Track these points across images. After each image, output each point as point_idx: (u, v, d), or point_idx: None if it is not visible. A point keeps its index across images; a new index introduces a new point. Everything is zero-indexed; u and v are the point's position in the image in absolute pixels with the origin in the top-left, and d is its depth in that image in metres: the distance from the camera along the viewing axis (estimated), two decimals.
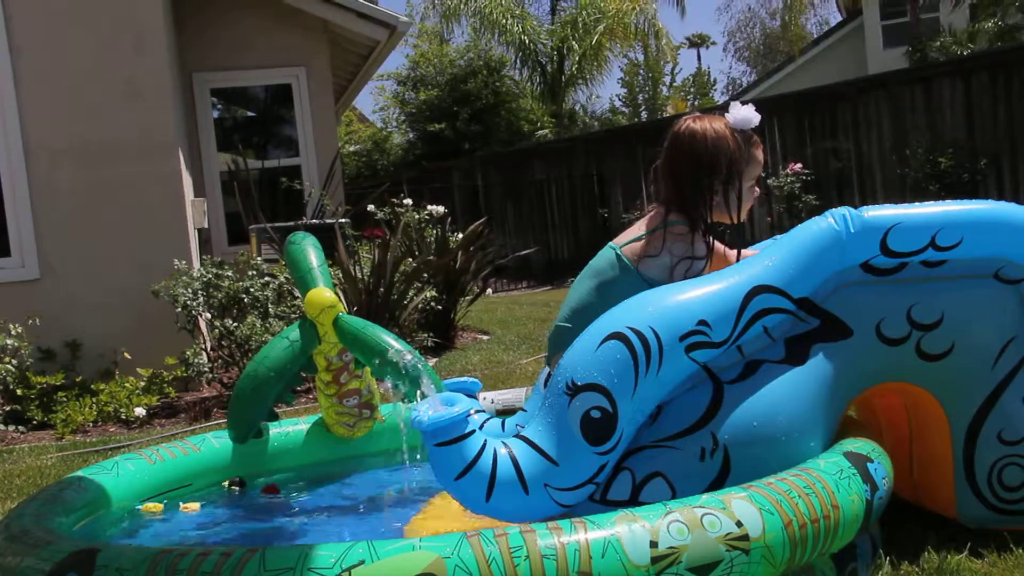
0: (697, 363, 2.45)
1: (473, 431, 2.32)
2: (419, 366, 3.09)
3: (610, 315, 2.48)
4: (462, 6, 20.87)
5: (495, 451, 2.34)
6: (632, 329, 2.39)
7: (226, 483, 3.53)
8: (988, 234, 2.59)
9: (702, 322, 2.43)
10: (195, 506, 3.30)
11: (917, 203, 2.66)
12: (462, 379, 2.46)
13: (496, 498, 2.31)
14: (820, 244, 2.56)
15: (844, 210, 2.61)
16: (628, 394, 2.36)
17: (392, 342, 3.30)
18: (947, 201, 2.68)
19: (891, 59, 19.53)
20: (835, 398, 2.56)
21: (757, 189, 2.97)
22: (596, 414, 2.34)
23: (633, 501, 2.41)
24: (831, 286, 2.57)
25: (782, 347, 2.53)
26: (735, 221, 2.89)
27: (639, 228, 2.90)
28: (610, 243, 2.93)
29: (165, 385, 6.49)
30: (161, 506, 3.25)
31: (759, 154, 2.92)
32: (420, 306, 7.69)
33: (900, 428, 2.84)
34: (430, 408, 2.29)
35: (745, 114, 2.85)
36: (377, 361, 3.28)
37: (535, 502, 2.34)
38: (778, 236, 2.89)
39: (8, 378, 5.89)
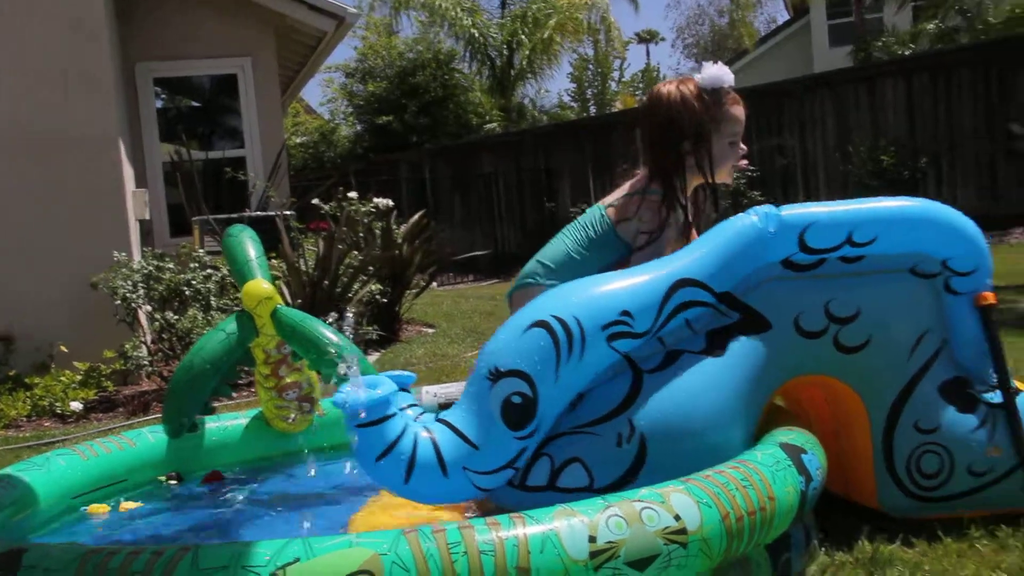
0: (619, 352, 2.50)
1: (394, 414, 2.34)
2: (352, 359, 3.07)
3: (536, 303, 2.53)
4: None
5: (416, 434, 2.36)
6: (556, 317, 2.43)
7: (163, 477, 3.48)
8: (904, 230, 2.66)
9: (625, 312, 2.48)
10: (134, 505, 3.23)
11: (835, 200, 2.73)
12: (395, 372, 2.45)
13: (415, 480, 2.33)
14: (743, 240, 2.61)
15: (767, 208, 2.66)
16: (550, 380, 2.40)
17: (330, 335, 3.28)
18: (864, 199, 2.75)
19: (837, 58, 19.82)
20: (754, 390, 2.60)
21: (743, 146, 3.01)
22: (517, 399, 2.38)
23: (551, 486, 2.46)
24: (753, 281, 2.63)
25: (703, 339, 2.59)
26: (711, 181, 2.97)
27: (625, 188, 2.99)
28: (598, 202, 3.03)
29: (103, 379, 6.38)
30: (107, 507, 3.19)
31: (736, 110, 2.95)
32: (365, 299, 7.63)
33: (827, 423, 2.90)
34: (353, 390, 2.30)
35: (716, 72, 2.91)
36: (314, 354, 3.25)
37: (454, 485, 2.38)
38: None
39: None
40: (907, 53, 16.46)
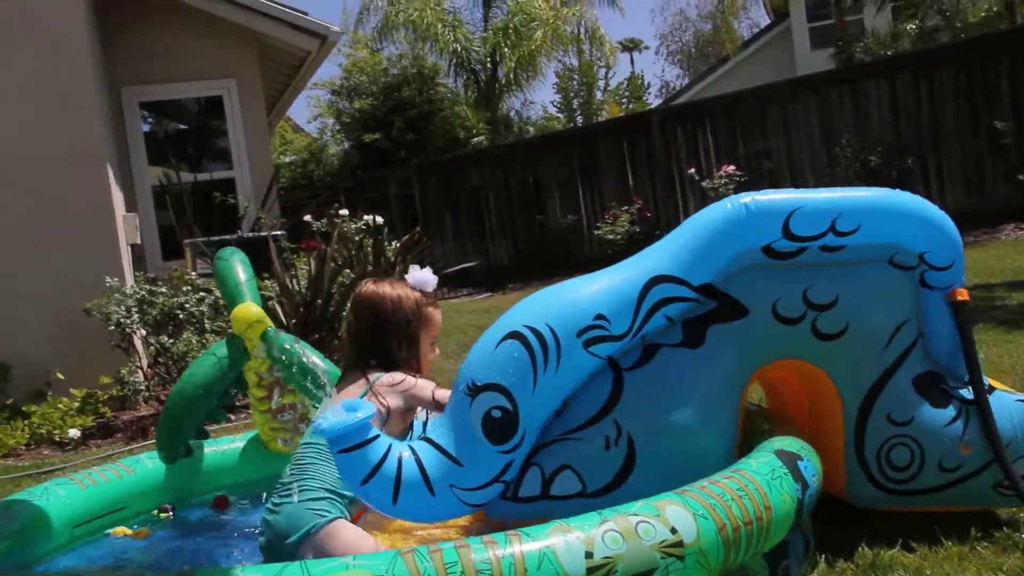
0: (599, 357, 2.49)
1: (377, 435, 2.34)
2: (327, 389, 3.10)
3: (507, 315, 2.53)
4: (394, 16, 20.80)
5: (399, 454, 2.36)
6: (529, 327, 2.43)
7: (155, 511, 3.46)
8: (885, 221, 2.67)
9: (600, 316, 2.47)
10: (145, 531, 3.24)
11: (816, 189, 2.73)
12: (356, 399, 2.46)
13: (403, 500, 2.34)
14: (717, 229, 2.59)
15: (745, 195, 2.65)
16: (528, 392, 2.40)
17: (316, 360, 3.30)
18: (844, 188, 2.75)
19: (819, 60, 19.87)
20: (734, 376, 2.62)
21: (437, 349, 3.05)
22: (497, 413, 2.38)
23: (544, 495, 2.47)
24: (732, 269, 2.61)
25: (679, 330, 2.58)
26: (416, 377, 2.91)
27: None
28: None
29: (100, 405, 6.38)
30: (127, 530, 3.19)
31: (436, 315, 3.02)
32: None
33: (801, 406, 2.92)
34: (333, 415, 2.30)
35: (424, 276, 2.98)
36: (300, 378, 3.28)
37: (442, 503, 2.39)
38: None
39: None
40: (889, 53, 16.55)
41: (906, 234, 2.69)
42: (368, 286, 2.96)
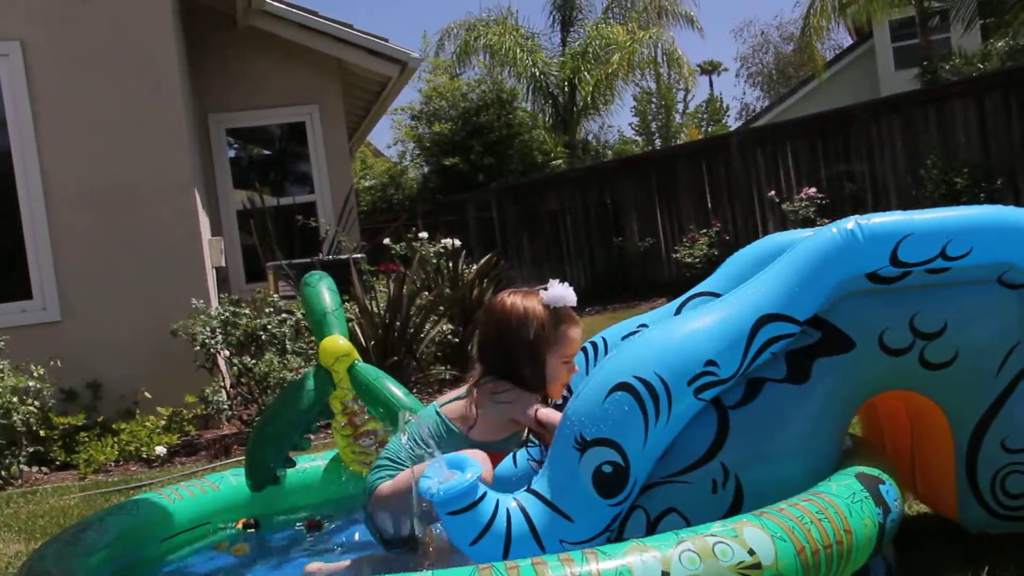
0: (705, 401, 2.43)
1: (484, 494, 2.29)
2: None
3: (614, 361, 2.44)
4: (473, 42, 21.04)
5: (508, 509, 2.31)
6: (638, 378, 2.35)
7: (239, 524, 3.53)
8: (999, 239, 2.53)
9: (710, 362, 2.39)
10: (244, 547, 3.30)
11: (920, 210, 2.61)
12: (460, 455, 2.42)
13: (514, 555, 2.27)
14: (824, 257, 2.49)
15: (851, 219, 2.54)
16: (639, 445, 2.33)
17: (401, 396, 3.34)
18: (949, 207, 2.63)
19: (903, 81, 19.54)
20: (840, 413, 2.54)
21: (575, 367, 2.95)
22: (608, 468, 2.31)
23: None
24: (835, 296, 2.51)
25: (783, 364, 2.49)
26: (541, 396, 2.87)
27: (461, 390, 2.96)
28: (435, 402, 3.02)
29: (185, 423, 6.54)
30: (248, 547, 3.26)
31: (573, 332, 2.90)
32: (437, 339, 7.71)
33: (903, 432, 2.82)
34: (439, 476, 2.26)
35: (561, 292, 2.87)
36: (384, 412, 3.32)
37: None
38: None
39: (31, 419, 5.94)
40: (976, 74, 16.19)
41: (1017, 251, 2.54)
42: (501, 297, 2.93)
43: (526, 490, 2.40)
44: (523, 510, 2.32)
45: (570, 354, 2.90)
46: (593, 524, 2.34)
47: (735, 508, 2.39)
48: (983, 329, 2.56)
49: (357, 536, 3.30)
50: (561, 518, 2.32)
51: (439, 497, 2.24)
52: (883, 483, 2.41)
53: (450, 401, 2.95)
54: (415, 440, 2.86)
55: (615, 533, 2.40)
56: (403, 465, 2.83)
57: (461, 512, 2.26)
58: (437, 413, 2.93)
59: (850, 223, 2.52)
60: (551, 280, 2.94)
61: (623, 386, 2.35)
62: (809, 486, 2.36)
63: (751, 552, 2.00)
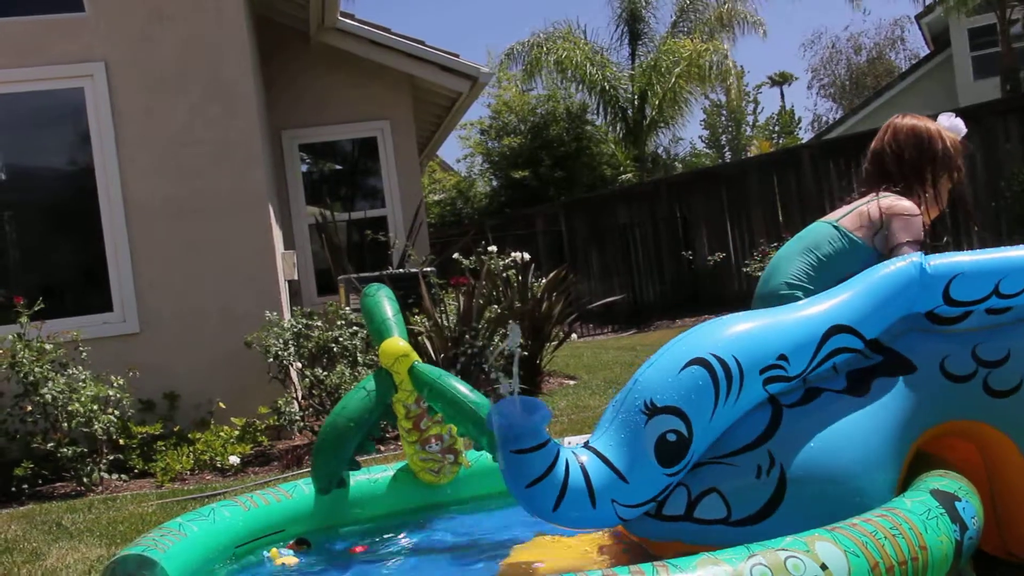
0: (769, 393, 2.48)
1: (548, 439, 2.33)
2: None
3: (690, 337, 2.51)
4: (543, 57, 21.11)
5: (568, 461, 2.35)
6: (715, 356, 2.41)
7: (291, 544, 3.44)
8: None
9: (782, 356, 2.45)
10: (293, 560, 3.33)
11: (982, 249, 2.65)
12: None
13: (564, 508, 2.32)
14: (897, 286, 2.56)
15: (926, 255, 2.60)
16: (705, 419, 2.38)
17: (465, 391, 3.36)
18: (1012, 247, 2.65)
19: (983, 90, 19.09)
20: (898, 436, 2.52)
21: (946, 200, 3.28)
22: (672, 437, 2.36)
23: (688, 517, 2.43)
24: (897, 329, 2.57)
25: (843, 378, 2.54)
26: (930, 216, 3.20)
27: (853, 205, 3.21)
28: (823, 219, 3.23)
29: (258, 434, 6.65)
30: (296, 559, 3.30)
31: (959, 163, 3.23)
32: (505, 352, 7.73)
33: (978, 472, 2.76)
34: (509, 412, 2.27)
35: (954, 122, 3.20)
36: (450, 410, 3.33)
37: (600, 514, 2.37)
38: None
39: (111, 428, 6.10)
40: None
41: None
42: (904, 117, 3.25)
43: (585, 446, 2.45)
44: (582, 465, 2.36)
45: (956, 182, 3.24)
46: (647, 489, 2.38)
47: (775, 499, 2.40)
48: None
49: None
50: (617, 478, 2.36)
51: (507, 431, 2.27)
52: (959, 500, 2.36)
53: (842, 217, 3.17)
54: (813, 256, 3.10)
55: (656, 505, 2.44)
56: (808, 288, 3.03)
57: (526, 452, 2.29)
58: (835, 227, 3.15)
59: (916, 257, 2.62)
60: (944, 113, 3.28)
61: (699, 361, 2.41)
62: (855, 496, 2.37)
63: (823, 567, 1.97)
